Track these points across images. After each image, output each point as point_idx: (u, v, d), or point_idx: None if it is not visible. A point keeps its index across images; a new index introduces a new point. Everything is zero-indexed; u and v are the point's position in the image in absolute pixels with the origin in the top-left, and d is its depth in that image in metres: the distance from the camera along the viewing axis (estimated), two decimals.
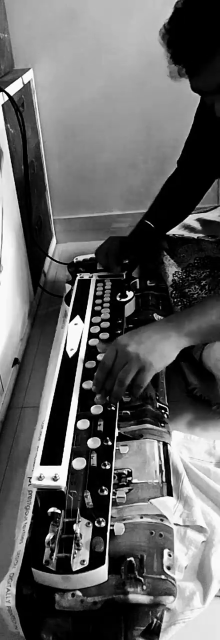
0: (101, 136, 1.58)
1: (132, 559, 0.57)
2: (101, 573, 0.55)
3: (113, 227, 1.62)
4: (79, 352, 0.85)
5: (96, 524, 0.58)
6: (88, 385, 0.78)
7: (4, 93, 1.11)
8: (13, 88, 1.21)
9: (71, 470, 0.65)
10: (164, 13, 0.75)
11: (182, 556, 0.68)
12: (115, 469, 0.67)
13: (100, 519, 0.58)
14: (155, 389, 0.83)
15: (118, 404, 0.75)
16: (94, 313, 0.98)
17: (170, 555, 0.58)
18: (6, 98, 1.12)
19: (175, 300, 1.02)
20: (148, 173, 1.61)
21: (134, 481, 0.67)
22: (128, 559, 0.57)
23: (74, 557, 0.55)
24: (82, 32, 1.45)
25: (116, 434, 0.71)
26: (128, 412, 0.78)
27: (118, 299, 1.01)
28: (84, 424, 0.72)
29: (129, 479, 0.67)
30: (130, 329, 0.86)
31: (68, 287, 1.17)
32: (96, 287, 1.07)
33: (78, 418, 0.73)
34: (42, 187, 1.58)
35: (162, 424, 0.77)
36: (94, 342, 0.89)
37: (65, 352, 0.86)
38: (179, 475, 0.76)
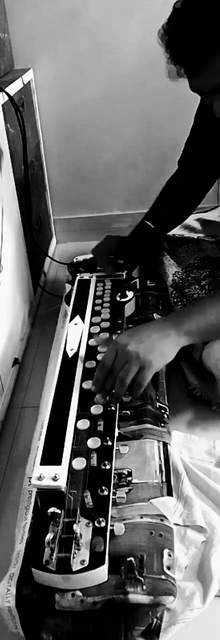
0: (101, 136, 1.58)
1: (132, 559, 0.57)
2: (101, 573, 0.55)
3: (113, 227, 1.62)
4: (79, 352, 0.85)
5: (96, 524, 0.58)
6: (88, 385, 0.78)
7: (4, 93, 1.11)
8: (13, 88, 1.21)
9: (71, 470, 0.65)
10: (163, 13, 0.75)
11: (182, 556, 0.68)
12: (115, 469, 0.67)
13: (100, 519, 0.58)
14: (155, 389, 0.84)
15: (118, 404, 0.75)
16: (94, 313, 0.98)
17: (170, 555, 0.58)
18: (6, 98, 1.12)
19: (175, 300, 1.02)
20: (148, 173, 1.61)
21: (134, 481, 0.67)
22: (128, 559, 0.57)
23: (74, 557, 0.55)
24: (82, 32, 1.45)
25: (116, 434, 0.71)
26: (128, 412, 0.78)
27: (118, 299, 1.01)
28: (84, 424, 0.71)
29: (129, 479, 0.67)
30: (130, 329, 0.86)
31: (68, 287, 1.17)
32: (96, 287, 1.07)
33: (78, 418, 0.73)
34: (42, 187, 1.58)
35: (162, 424, 0.77)
36: (94, 342, 0.89)
37: (65, 352, 0.86)
38: (179, 475, 0.76)
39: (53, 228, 1.73)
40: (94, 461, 0.66)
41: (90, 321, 0.95)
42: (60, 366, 0.82)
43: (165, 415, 0.80)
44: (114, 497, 0.64)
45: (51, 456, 0.65)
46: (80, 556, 0.55)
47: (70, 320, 0.95)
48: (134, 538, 0.60)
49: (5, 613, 0.58)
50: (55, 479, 0.61)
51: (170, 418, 0.81)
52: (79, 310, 0.97)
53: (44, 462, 0.64)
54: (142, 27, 1.41)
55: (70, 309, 0.99)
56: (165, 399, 0.83)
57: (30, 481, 0.66)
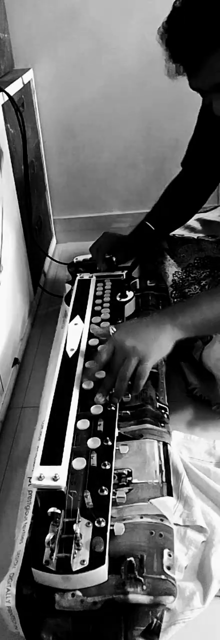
0: (101, 136, 1.58)
1: (132, 559, 0.57)
2: (101, 573, 0.55)
3: (113, 227, 1.62)
4: (79, 352, 0.85)
5: (96, 524, 0.58)
6: (88, 385, 0.78)
7: (4, 93, 1.11)
8: (13, 88, 1.21)
9: (71, 470, 0.65)
10: (163, 13, 0.74)
11: (182, 556, 0.68)
12: (115, 469, 0.67)
13: (100, 519, 0.58)
14: (155, 389, 0.83)
15: (118, 404, 0.75)
16: (94, 313, 0.98)
17: (170, 555, 0.58)
18: (6, 98, 1.12)
19: (175, 300, 1.01)
20: (148, 173, 1.61)
21: (134, 481, 0.67)
22: (128, 559, 0.57)
23: (74, 557, 0.55)
24: (82, 32, 1.45)
25: (116, 434, 0.71)
26: (128, 412, 0.78)
27: (118, 299, 1.01)
28: (84, 424, 0.71)
29: (129, 479, 0.67)
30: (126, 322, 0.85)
31: (68, 287, 1.17)
32: (96, 287, 1.07)
33: (78, 418, 0.72)
34: (42, 187, 1.58)
35: (162, 424, 0.77)
36: (94, 342, 0.89)
37: (65, 352, 0.86)
38: (179, 475, 0.76)
39: (53, 228, 1.73)
40: (94, 461, 0.66)
41: (90, 321, 0.95)
42: (60, 366, 0.82)
43: (165, 415, 0.80)
44: (114, 497, 0.64)
45: (51, 456, 0.65)
46: (80, 556, 0.55)
47: (70, 320, 0.95)
48: (134, 538, 0.60)
49: (5, 613, 0.58)
50: (55, 479, 0.61)
51: (170, 418, 0.81)
52: (79, 310, 0.97)
53: (44, 462, 0.64)
54: (142, 27, 1.41)
55: (70, 309, 0.99)
56: (165, 399, 0.83)
57: (30, 481, 0.66)
